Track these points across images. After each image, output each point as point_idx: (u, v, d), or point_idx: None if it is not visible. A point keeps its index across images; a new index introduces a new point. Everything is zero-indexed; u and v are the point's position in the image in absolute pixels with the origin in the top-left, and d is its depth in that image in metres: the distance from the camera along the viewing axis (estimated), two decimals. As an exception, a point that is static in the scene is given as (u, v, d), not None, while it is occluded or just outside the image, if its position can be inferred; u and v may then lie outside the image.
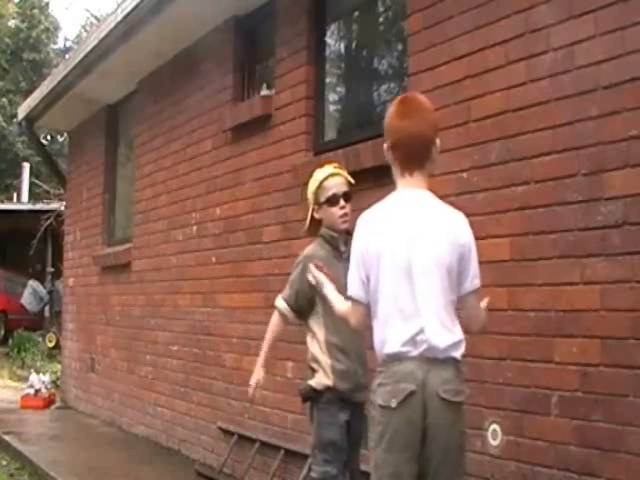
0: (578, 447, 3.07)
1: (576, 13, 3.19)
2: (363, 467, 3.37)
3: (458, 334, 2.57)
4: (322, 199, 3.47)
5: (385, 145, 2.72)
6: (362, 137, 4.44)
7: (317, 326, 3.43)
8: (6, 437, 7.06)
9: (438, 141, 2.68)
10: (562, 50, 3.24)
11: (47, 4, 27.65)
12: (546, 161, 3.28)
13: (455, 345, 2.54)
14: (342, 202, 3.45)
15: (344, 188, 3.49)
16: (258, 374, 3.57)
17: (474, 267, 2.63)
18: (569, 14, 3.22)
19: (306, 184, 3.98)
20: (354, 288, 2.67)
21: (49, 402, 8.99)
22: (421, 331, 2.51)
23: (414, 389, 2.48)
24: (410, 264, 2.55)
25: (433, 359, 2.50)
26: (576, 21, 3.19)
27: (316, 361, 3.42)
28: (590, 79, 3.11)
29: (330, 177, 3.50)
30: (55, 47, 27.61)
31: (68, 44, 27.34)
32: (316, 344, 3.43)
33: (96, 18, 23.24)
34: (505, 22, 3.52)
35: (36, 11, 26.35)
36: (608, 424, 2.96)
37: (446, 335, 2.52)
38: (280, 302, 3.54)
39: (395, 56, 4.75)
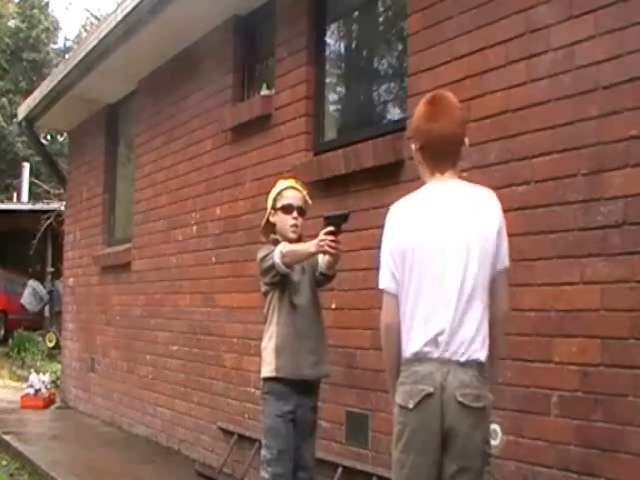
0: (578, 447, 3.07)
1: (576, 13, 3.19)
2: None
3: (483, 335, 2.52)
4: (279, 205, 3.78)
5: (413, 146, 2.71)
6: (362, 137, 4.44)
7: (271, 320, 3.71)
8: (6, 437, 7.06)
9: (467, 139, 2.69)
10: (562, 50, 3.24)
11: (47, 4, 27.61)
12: (546, 161, 3.28)
13: (479, 347, 2.49)
14: (295, 214, 3.76)
15: (300, 203, 3.80)
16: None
17: (505, 247, 2.60)
18: (569, 14, 3.22)
19: (306, 184, 4.00)
20: (385, 280, 2.64)
21: (49, 402, 8.99)
22: (442, 332, 2.48)
23: (431, 391, 2.45)
24: (437, 260, 2.52)
25: (454, 362, 2.47)
26: (576, 21, 3.19)
27: (263, 352, 3.72)
28: (590, 79, 3.11)
29: (291, 189, 3.82)
30: (55, 47, 27.57)
31: (68, 44, 27.32)
32: (267, 337, 3.71)
33: (96, 18, 23.27)
34: (505, 22, 3.52)
35: (36, 11, 26.31)
36: (608, 424, 2.96)
37: (469, 337, 2.48)
38: (277, 255, 3.58)
39: (395, 56, 4.75)
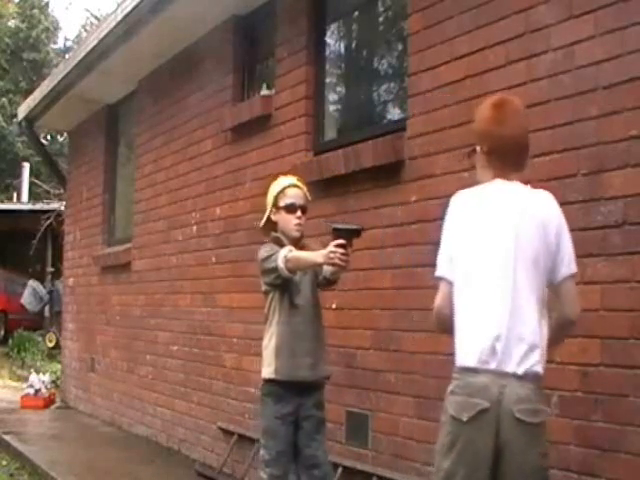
0: (578, 447, 3.07)
1: (576, 13, 3.19)
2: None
3: (541, 343, 2.44)
4: (281, 204, 3.72)
5: (478, 149, 2.66)
6: (362, 137, 4.44)
7: (271, 320, 3.68)
8: (6, 437, 7.06)
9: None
10: (562, 50, 3.24)
11: (47, 4, 27.60)
12: (546, 161, 3.28)
13: (538, 358, 2.42)
14: (299, 213, 3.70)
15: (302, 201, 3.74)
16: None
17: (569, 250, 2.51)
18: (569, 14, 3.22)
19: (306, 184, 3.99)
20: (441, 266, 2.59)
21: (49, 402, 8.99)
22: (499, 337, 2.41)
23: (487, 406, 2.37)
24: (491, 262, 2.48)
25: (511, 374, 2.39)
26: (576, 21, 3.19)
27: (263, 352, 3.70)
28: (590, 79, 3.11)
29: (292, 187, 3.76)
30: (55, 47, 27.56)
31: (68, 44, 27.29)
32: (267, 337, 3.69)
33: (96, 18, 23.25)
34: (505, 22, 3.52)
35: (36, 11, 26.29)
36: (608, 424, 2.96)
37: (526, 344, 2.41)
38: (281, 259, 3.53)
39: (395, 56, 4.75)
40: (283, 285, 3.62)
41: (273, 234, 3.74)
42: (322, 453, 3.70)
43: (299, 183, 3.80)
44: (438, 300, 2.62)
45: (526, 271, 2.46)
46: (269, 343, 3.67)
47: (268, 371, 3.65)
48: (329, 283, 3.74)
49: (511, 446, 2.38)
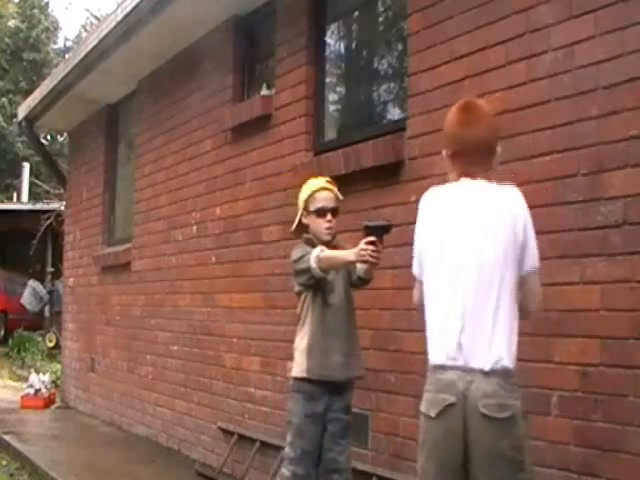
0: (578, 447, 3.07)
1: (576, 13, 3.19)
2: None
3: (508, 335, 2.45)
4: (311, 208, 3.70)
5: (444, 152, 2.71)
6: (362, 137, 4.44)
7: (304, 320, 3.67)
8: (6, 437, 7.05)
9: (499, 148, 2.69)
10: (562, 50, 3.24)
11: (47, 4, 27.64)
12: (546, 161, 3.28)
13: (504, 352, 2.43)
14: (329, 216, 3.68)
15: (333, 204, 3.72)
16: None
17: (533, 245, 2.55)
18: (569, 14, 3.22)
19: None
20: (414, 265, 2.70)
21: (49, 402, 8.99)
22: (464, 335, 2.44)
23: (453, 401, 2.40)
24: (455, 258, 2.51)
25: (478, 370, 2.41)
26: (576, 21, 3.19)
27: (295, 352, 3.69)
28: (590, 79, 3.12)
29: (322, 190, 3.72)
30: (55, 47, 27.58)
31: (68, 44, 27.30)
32: (299, 336, 3.68)
33: (96, 18, 23.23)
34: (505, 22, 3.52)
35: (36, 11, 26.32)
36: (608, 424, 2.96)
37: (490, 337, 2.43)
38: (313, 259, 3.53)
39: (395, 56, 4.75)
40: (316, 285, 3.61)
41: (305, 235, 3.73)
42: (345, 459, 3.66)
43: (329, 185, 3.76)
44: (414, 294, 2.76)
45: (493, 265, 2.48)
46: (301, 343, 3.65)
47: (298, 370, 3.63)
48: (363, 282, 3.73)
49: (479, 441, 2.39)
